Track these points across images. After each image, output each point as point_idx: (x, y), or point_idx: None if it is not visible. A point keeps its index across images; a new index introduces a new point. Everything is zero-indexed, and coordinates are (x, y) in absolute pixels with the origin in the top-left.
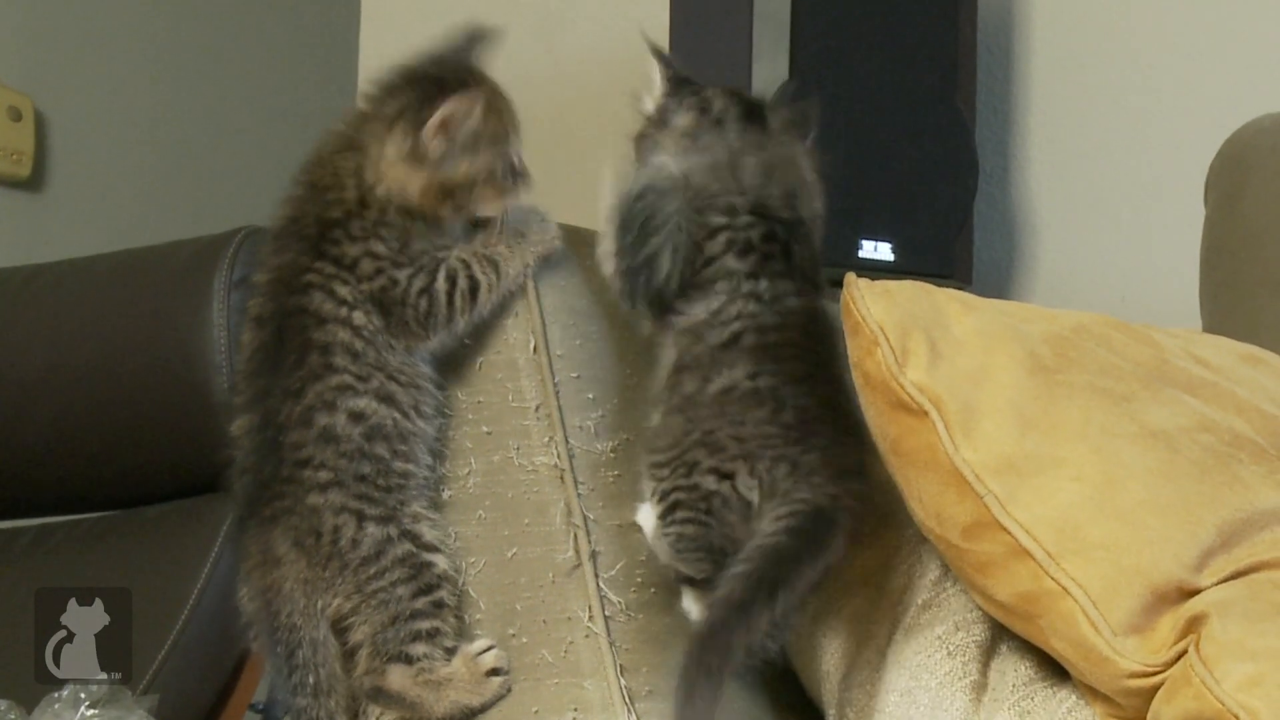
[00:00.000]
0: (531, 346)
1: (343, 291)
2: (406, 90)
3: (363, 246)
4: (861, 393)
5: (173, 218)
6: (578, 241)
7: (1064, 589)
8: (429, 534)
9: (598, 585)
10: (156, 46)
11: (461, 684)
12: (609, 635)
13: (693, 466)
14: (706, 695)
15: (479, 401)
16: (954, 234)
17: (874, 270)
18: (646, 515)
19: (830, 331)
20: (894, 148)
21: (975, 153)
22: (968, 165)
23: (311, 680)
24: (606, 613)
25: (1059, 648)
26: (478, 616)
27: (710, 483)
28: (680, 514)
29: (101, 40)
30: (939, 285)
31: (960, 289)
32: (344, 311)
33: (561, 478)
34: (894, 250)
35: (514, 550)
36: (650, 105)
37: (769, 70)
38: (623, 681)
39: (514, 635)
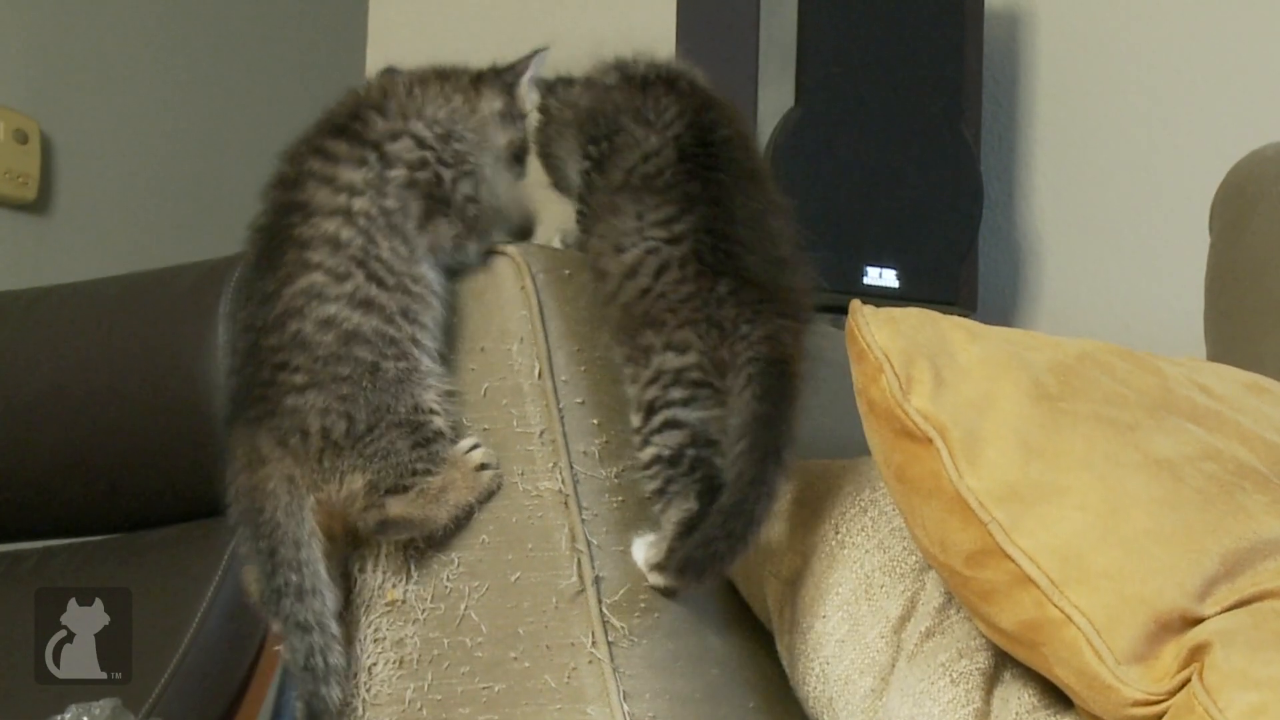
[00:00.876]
0: (536, 372)
1: (349, 176)
2: (447, 74)
3: (399, 124)
4: (866, 420)
5: (178, 241)
6: (581, 266)
7: (1067, 617)
8: (429, 399)
9: (601, 611)
10: (162, 71)
11: (457, 486)
12: (612, 661)
13: (648, 351)
14: (726, 557)
15: (484, 428)
16: (959, 261)
17: (879, 297)
18: (639, 548)
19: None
20: (899, 175)
21: (980, 180)
22: (973, 192)
23: (295, 579)
24: (610, 638)
25: (1062, 676)
26: (479, 640)
27: (671, 360)
28: (657, 418)
29: (107, 64)
30: (944, 312)
31: (965, 316)
32: (343, 199)
33: (565, 503)
34: (899, 277)
35: (517, 575)
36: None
37: (775, 97)
38: (626, 707)
39: (516, 659)
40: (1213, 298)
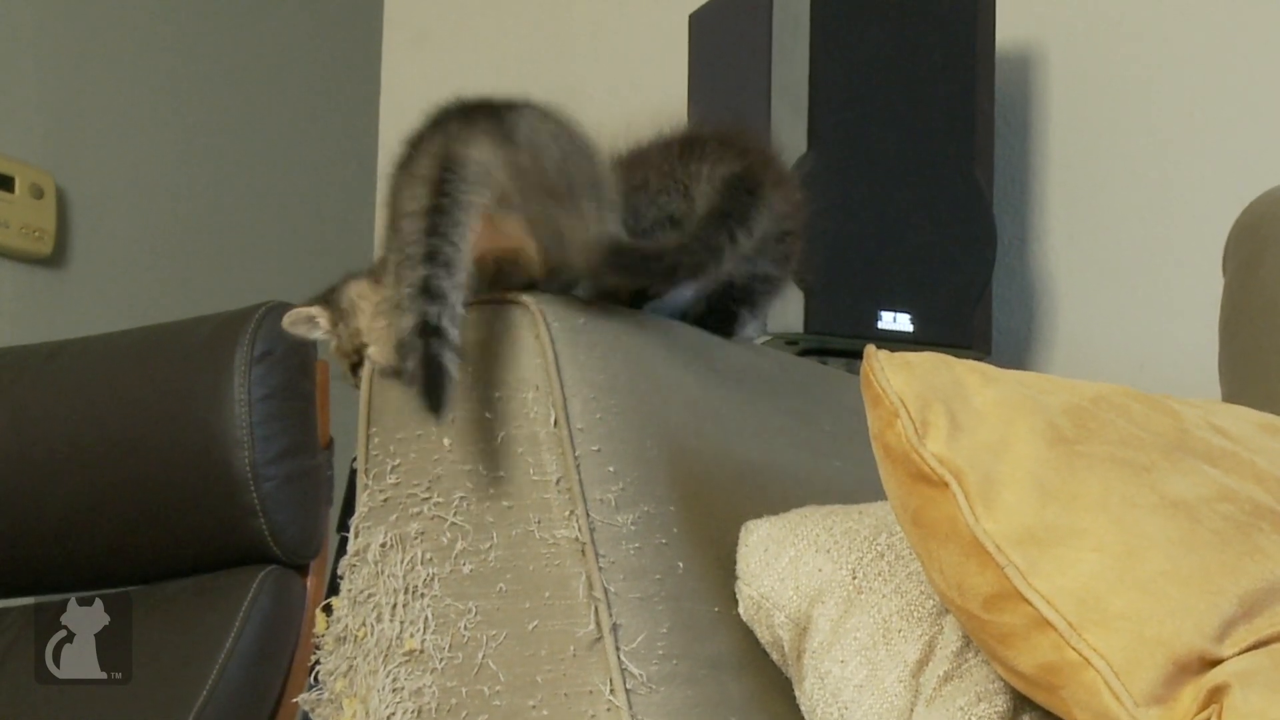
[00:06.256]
0: (552, 420)
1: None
2: None
3: None
4: (881, 465)
5: (194, 294)
6: (598, 314)
7: (1086, 660)
8: None
9: (619, 658)
10: (177, 125)
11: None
12: (631, 709)
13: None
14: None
15: (500, 475)
16: (973, 305)
17: (893, 341)
18: None
19: None
20: (912, 219)
21: (993, 223)
22: (986, 236)
23: (449, 251)
24: (628, 686)
25: (1081, 719)
26: (497, 688)
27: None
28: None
29: (122, 119)
30: (958, 356)
31: (979, 359)
32: None
33: (583, 551)
34: (913, 321)
35: (535, 623)
36: None
37: (787, 142)
38: None
39: (535, 708)
40: (1227, 338)
